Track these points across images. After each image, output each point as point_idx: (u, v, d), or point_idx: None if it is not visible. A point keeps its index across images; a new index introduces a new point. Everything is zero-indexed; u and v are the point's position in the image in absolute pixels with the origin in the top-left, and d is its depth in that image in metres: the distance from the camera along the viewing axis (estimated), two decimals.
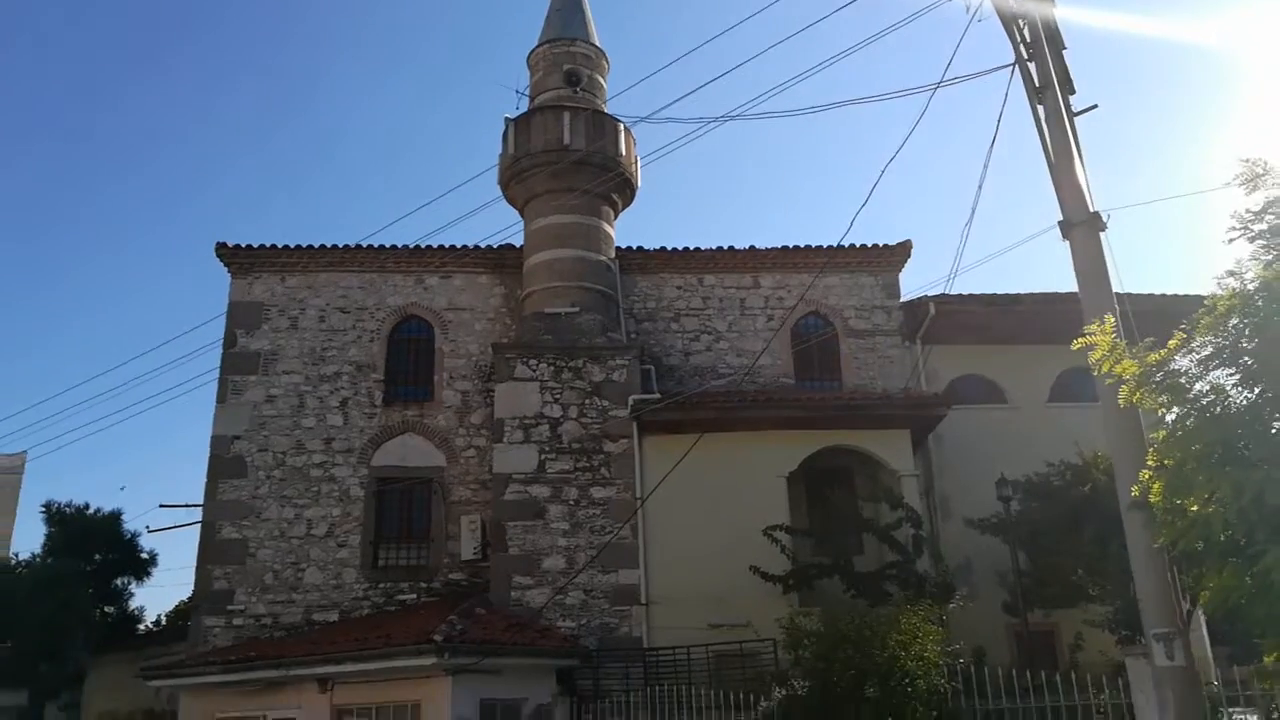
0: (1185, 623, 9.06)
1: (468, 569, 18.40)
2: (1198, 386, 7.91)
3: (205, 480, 18.93)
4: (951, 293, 16.75)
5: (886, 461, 17.64)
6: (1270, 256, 7.33)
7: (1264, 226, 7.36)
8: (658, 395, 18.14)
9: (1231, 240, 7.51)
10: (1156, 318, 11.21)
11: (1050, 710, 11.02)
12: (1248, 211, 7.48)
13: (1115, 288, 9.60)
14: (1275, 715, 10.30)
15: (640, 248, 20.90)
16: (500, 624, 15.65)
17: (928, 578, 15.31)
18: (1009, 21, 9.87)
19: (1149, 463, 8.03)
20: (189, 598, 20.49)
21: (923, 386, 19.45)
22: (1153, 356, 7.96)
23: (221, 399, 19.44)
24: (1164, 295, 18.03)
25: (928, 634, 11.98)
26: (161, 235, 70.16)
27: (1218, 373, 7.80)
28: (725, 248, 20.86)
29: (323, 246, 20.40)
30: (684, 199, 72.30)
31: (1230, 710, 10.69)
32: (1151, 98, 68.40)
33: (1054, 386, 19.94)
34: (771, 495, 17.04)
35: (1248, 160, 7.42)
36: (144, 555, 23.86)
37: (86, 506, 23.57)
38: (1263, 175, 7.34)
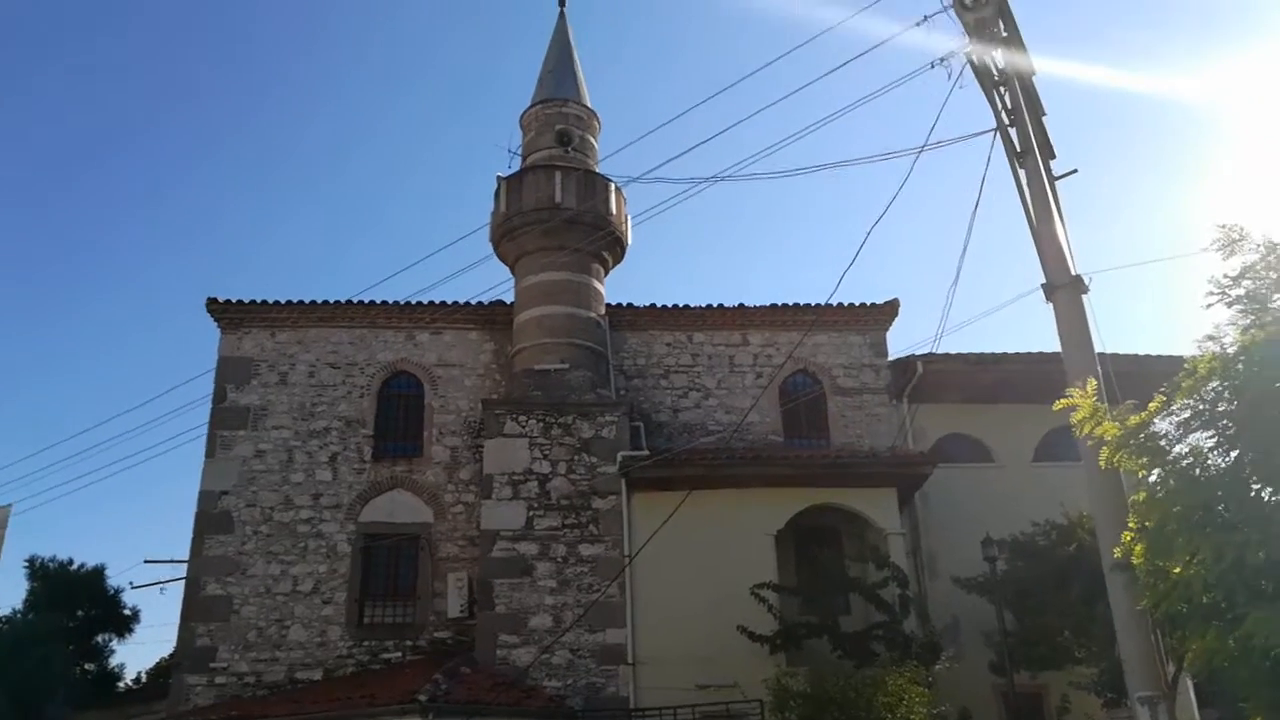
0: (1172, 685, 9.06)
1: (454, 627, 18.23)
2: (1177, 449, 8.02)
3: (191, 535, 18.79)
4: (938, 352, 16.93)
5: (873, 520, 17.65)
6: (1248, 321, 7.48)
7: (1241, 291, 7.52)
8: (646, 452, 18.16)
9: (1209, 305, 7.67)
10: (1138, 378, 11.38)
11: None
12: (1225, 276, 7.64)
13: (1098, 348, 9.75)
14: None
15: (630, 305, 21.08)
16: (486, 684, 15.53)
17: (914, 638, 15.26)
18: (989, 89, 10.14)
19: (1130, 524, 8.10)
20: (171, 655, 20.24)
21: (910, 445, 19.53)
22: (1133, 419, 8.07)
23: (210, 454, 19.38)
24: (1145, 356, 18.25)
25: (914, 695, 11.94)
26: (150, 286, 70.20)
27: (1197, 435, 7.92)
28: (714, 305, 21.06)
29: (313, 302, 20.51)
30: (674, 256, 72.90)
31: None
32: (1132, 154, 69.55)
33: (1039, 446, 20.05)
34: (759, 553, 16.97)
35: (1224, 226, 7.61)
36: (126, 612, 23.63)
37: (70, 562, 23.36)
38: (1239, 240, 7.52)
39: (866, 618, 16.35)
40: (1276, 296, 7.31)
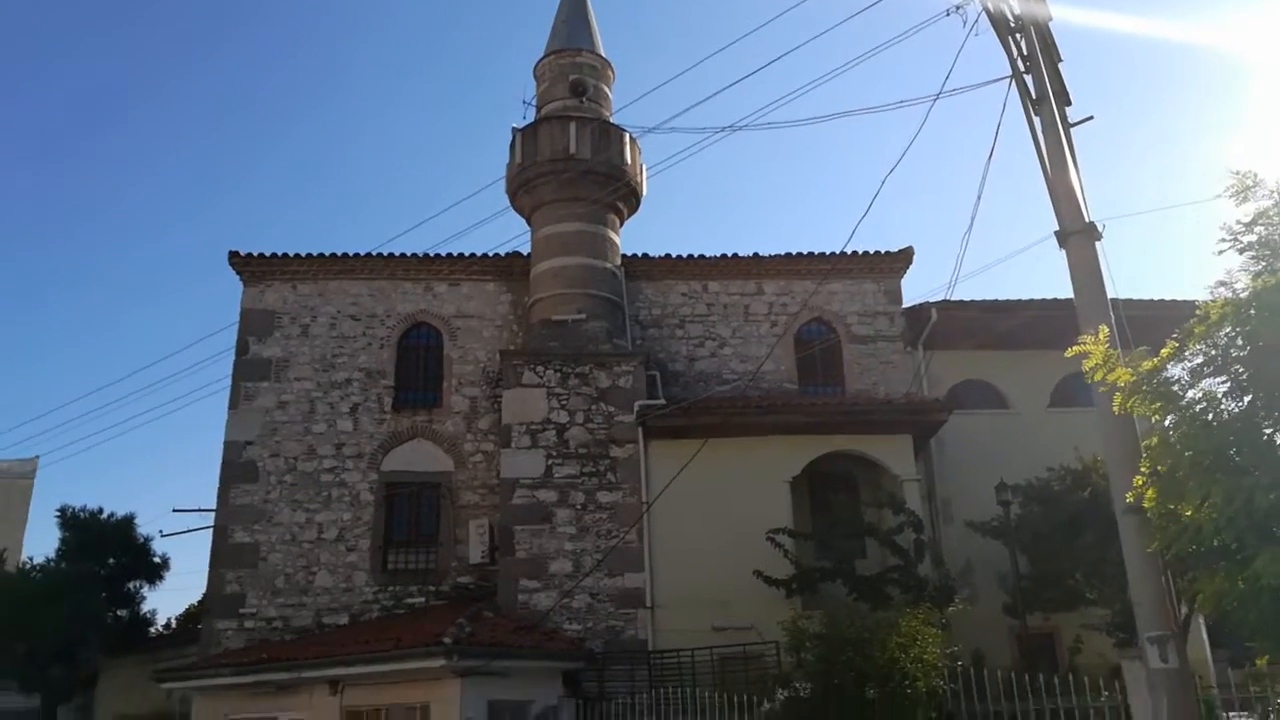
0: (1183, 626, 9.23)
1: (476, 572, 18.64)
2: (1190, 394, 8.12)
3: (218, 485, 19.18)
4: (953, 299, 16.94)
5: (888, 466, 17.81)
6: (1260, 267, 7.53)
7: (1254, 238, 7.56)
8: (663, 401, 18.34)
9: (1221, 252, 7.72)
10: (1152, 323, 11.46)
11: (1049, 712, 11.21)
12: (1238, 223, 7.68)
13: (1112, 294, 9.80)
14: (1272, 717, 10.46)
15: (646, 255, 21.15)
16: (508, 627, 15.87)
17: (929, 581, 15.49)
18: (1005, 36, 10.09)
19: (1142, 469, 8.22)
20: (201, 601, 20.73)
21: (924, 392, 19.62)
22: (1147, 364, 8.16)
23: (234, 405, 19.72)
24: (1161, 301, 18.23)
25: (928, 636, 12.17)
26: (173, 242, 70.66)
27: (1209, 381, 8.01)
28: (729, 255, 21.08)
29: (334, 255, 20.69)
30: (689, 206, 72.59)
31: (1229, 714, 10.87)
32: (1163, 100, 68.58)
33: (1054, 391, 20.10)
34: (775, 499, 17.22)
35: (1238, 173, 7.62)
36: (156, 559, 24.10)
37: (100, 511, 23.79)
38: (1253, 187, 7.54)
39: (882, 562, 16.57)
40: None
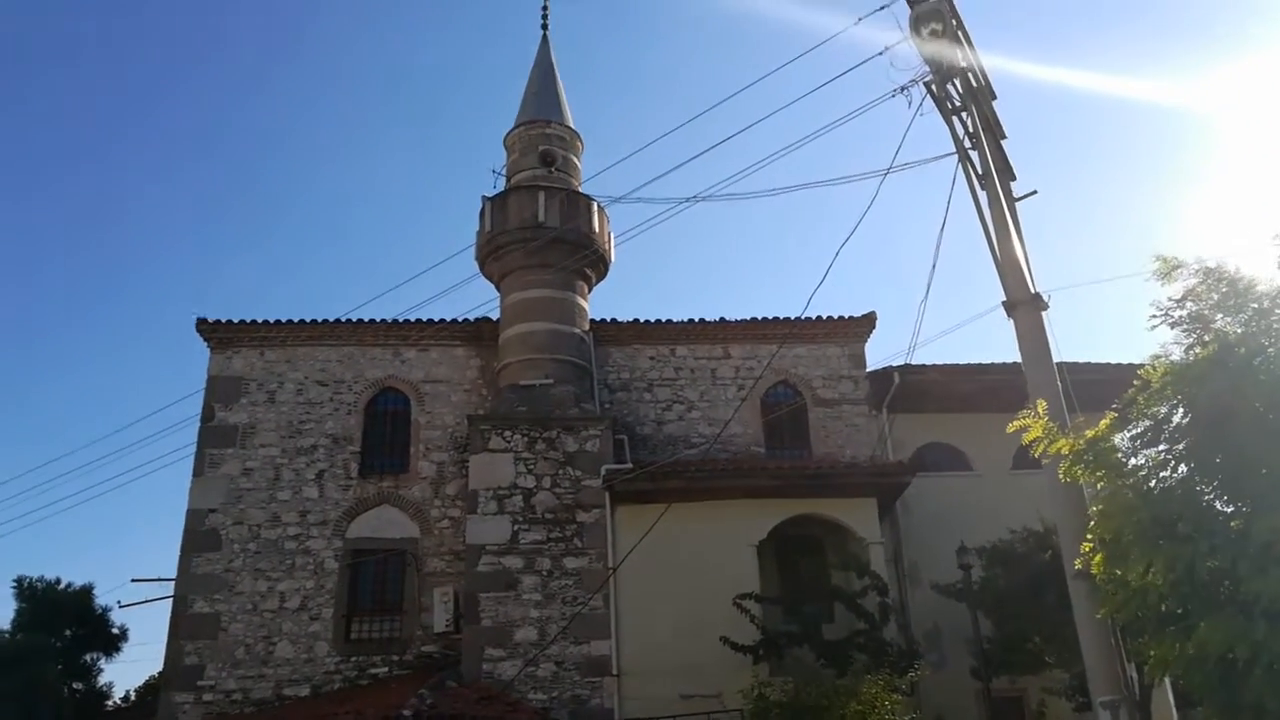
0: (1139, 689, 9.31)
1: (441, 641, 18.41)
2: (1132, 461, 8.32)
3: (179, 554, 18.92)
4: (915, 363, 17.18)
5: (854, 529, 17.87)
6: (1190, 340, 7.81)
7: (1184, 313, 7.85)
8: (630, 465, 18.39)
9: (1154, 327, 8.00)
10: (1101, 387, 11.74)
11: None
12: (1169, 299, 7.98)
13: (1060, 360, 10.09)
14: None
15: (614, 320, 21.34)
16: (471, 697, 15.68)
17: (894, 645, 15.48)
18: (948, 115, 10.44)
19: (1089, 536, 8.37)
20: (159, 673, 20.36)
21: (889, 455, 19.80)
22: (1090, 433, 8.36)
23: (198, 472, 19.54)
24: (1108, 365, 18.58)
25: (888, 703, 12.18)
26: (136, 307, 70.24)
27: (1150, 450, 8.21)
28: (696, 320, 21.32)
29: (302, 321, 20.71)
30: (657, 272, 73.04)
31: None
32: (1128, 161, 70.14)
33: (1017, 454, 20.24)
34: (742, 563, 17.21)
35: (1161, 258, 7.95)
36: (115, 630, 23.74)
37: (58, 581, 23.48)
38: (1176, 268, 7.86)
39: (850, 626, 16.55)
40: (1219, 317, 7.61)
